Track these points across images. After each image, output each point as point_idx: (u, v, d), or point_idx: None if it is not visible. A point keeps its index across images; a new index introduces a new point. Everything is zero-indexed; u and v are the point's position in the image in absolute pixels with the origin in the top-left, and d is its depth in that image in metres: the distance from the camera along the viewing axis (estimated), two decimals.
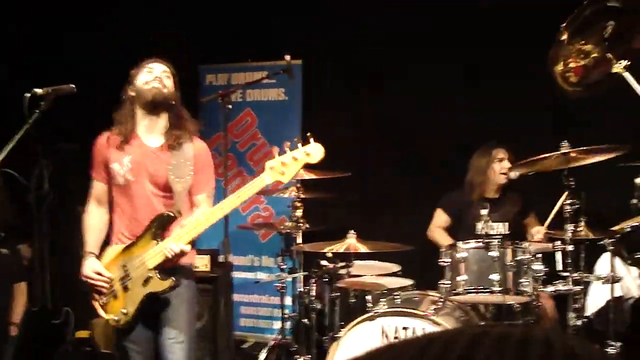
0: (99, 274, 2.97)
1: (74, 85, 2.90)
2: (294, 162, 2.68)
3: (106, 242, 3.11)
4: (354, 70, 5.21)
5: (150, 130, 3.02)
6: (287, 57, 4.03)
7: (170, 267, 2.89)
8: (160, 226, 2.89)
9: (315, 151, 2.67)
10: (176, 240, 2.81)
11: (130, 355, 3.03)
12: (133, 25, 5.29)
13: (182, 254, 2.84)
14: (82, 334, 4.53)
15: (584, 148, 3.38)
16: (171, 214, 2.90)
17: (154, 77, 2.99)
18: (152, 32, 5.18)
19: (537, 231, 4.00)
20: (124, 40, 5.18)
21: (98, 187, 3.12)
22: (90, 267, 3.00)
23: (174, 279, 2.87)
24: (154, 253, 2.86)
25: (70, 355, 4.56)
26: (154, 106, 2.98)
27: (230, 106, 3.84)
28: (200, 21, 5.39)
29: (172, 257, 2.82)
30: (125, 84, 3.07)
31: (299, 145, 2.68)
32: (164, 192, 2.97)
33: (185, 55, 5.26)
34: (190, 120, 3.08)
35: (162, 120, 3.02)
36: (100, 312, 3.01)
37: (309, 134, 2.67)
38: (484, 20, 4.78)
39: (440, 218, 4.37)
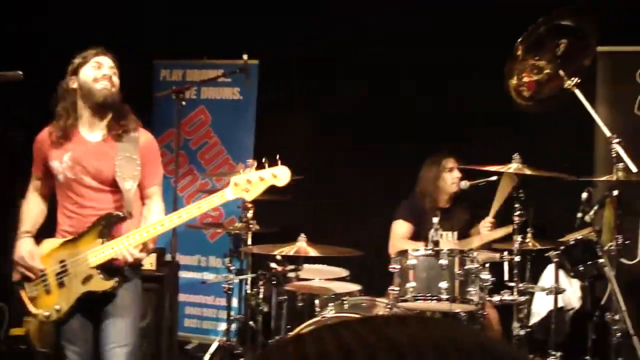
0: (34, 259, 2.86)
1: (20, 72, 2.79)
2: (260, 182, 2.64)
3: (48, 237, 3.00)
4: (309, 71, 5.20)
5: (93, 125, 2.91)
6: (245, 57, 4.00)
7: (115, 266, 2.80)
8: (108, 225, 2.80)
9: (282, 174, 2.64)
10: (130, 249, 2.73)
11: (67, 354, 2.90)
12: (88, 15, 5.15)
13: (138, 261, 2.78)
14: (17, 331, 4.36)
15: (530, 173, 3.45)
16: (120, 214, 2.81)
17: (102, 74, 2.87)
18: (108, 23, 5.06)
19: (483, 224, 4.05)
20: (78, 30, 5.03)
21: (37, 183, 3.04)
22: (26, 249, 2.88)
23: (117, 279, 2.78)
24: (99, 252, 2.77)
25: (4, 353, 4.39)
26: (103, 107, 2.88)
27: (184, 103, 3.79)
28: (156, 15, 5.29)
29: (127, 264, 2.75)
30: (67, 74, 2.92)
31: (266, 165, 2.63)
32: (110, 187, 2.87)
33: (140, 48, 5.17)
34: (132, 116, 2.98)
35: (106, 114, 2.92)
36: (29, 305, 2.89)
37: (278, 156, 2.63)
38: (441, 22, 4.86)
39: (402, 228, 4.26)
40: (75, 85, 2.88)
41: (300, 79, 5.23)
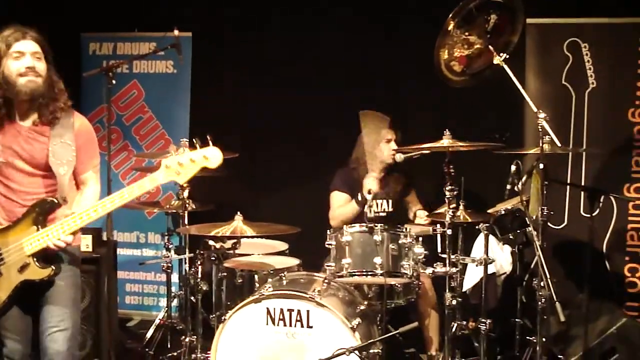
0: None
1: None
2: (191, 163, 2.59)
3: None
4: (244, 45, 5.13)
5: (24, 110, 2.82)
6: (176, 32, 3.91)
7: (51, 254, 2.76)
8: (43, 212, 2.75)
9: (214, 156, 2.58)
10: (59, 234, 2.69)
11: (7, 343, 2.88)
12: None
13: (67, 245, 2.74)
14: None
15: (463, 144, 3.53)
16: (55, 200, 2.76)
17: (26, 67, 2.74)
18: None
19: (421, 215, 4.17)
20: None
21: None
22: None
23: (53, 267, 2.75)
24: (34, 239, 2.72)
25: None
26: (32, 99, 2.79)
27: (114, 82, 3.70)
28: None
29: (54, 248, 2.71)
30: None
31: (198, 146, 2.60)
32: (44, 172, 2.82)
33: (67, 21, 4.99)
34: (64, 93, 2.88)
35: (36, 100, 2.81)
36: None
37: (208, 136, 2.59)
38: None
39: (339, 199, 4.32)
40: None
41: (235, 52, 5.16)
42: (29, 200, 2.79)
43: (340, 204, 4.31)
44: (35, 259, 2.74)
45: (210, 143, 2.60)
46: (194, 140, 2.64)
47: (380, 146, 4.31)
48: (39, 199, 2.78)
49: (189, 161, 2.59)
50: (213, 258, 3.83)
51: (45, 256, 2.76)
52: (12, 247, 2.76)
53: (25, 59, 2.75)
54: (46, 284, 2.79)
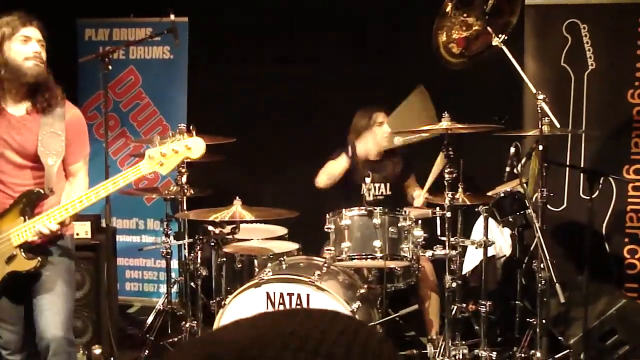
0: None
1: None
2: (174, 154, 2.57)
3: None
4: (241, 29, 5.09)
5: (17, 98, 2.81)
6: (172, 17, 3.87)
7: (38, 245, 2.74)
8: (29, 203, 2.74)
9: (196, 146, 2.57)
10: (46, 222, 2.67)
11: (2, 334, 2.89)
12: None
13: (53, 234, 2.71)
14: None
15: (461, 126, 3.50)
16: (41, 191, 2.74)
17: (32, 52, 2.73)
18: None
19: (418, 195, 4.14)
20: None
21: None
22: None
23: (39, 259, 2.74)
24: (21, 230, 2.71)
25: None
26: (33, 84, 2.77)
27: (110, 67, 3.66)
28: None
29: (42, 238, 2.70)
30: None
31: (181, 137, 2.58)
32: (33, 163, 2.80)
33: (62, 6, 4.94)
34: (57, 86, 2.87)
35: (32, 89, 2.80)
36: None
37: (192, 126, 2.57)
38: None
39: (342, 161, 4.14)
40: None
41: (232, 36, 5.12)
42: (18, 192, 2.78)
43: (341, 167, 4.15)
44: (22, 250, 2.72)
45: (194, 133, 2.58)
46: (191, 126, 2.62)
47: (373, 129, 4.27)
48: (26, 190, 2.77)
49: (172, 152, 2.57)
50: (212, 243, 3.82)
51: (33, 247, 2.74)
52: (0, 238, 2.75)
53: (32, 44, 2.75)
54: (34, 276, 2.78)
